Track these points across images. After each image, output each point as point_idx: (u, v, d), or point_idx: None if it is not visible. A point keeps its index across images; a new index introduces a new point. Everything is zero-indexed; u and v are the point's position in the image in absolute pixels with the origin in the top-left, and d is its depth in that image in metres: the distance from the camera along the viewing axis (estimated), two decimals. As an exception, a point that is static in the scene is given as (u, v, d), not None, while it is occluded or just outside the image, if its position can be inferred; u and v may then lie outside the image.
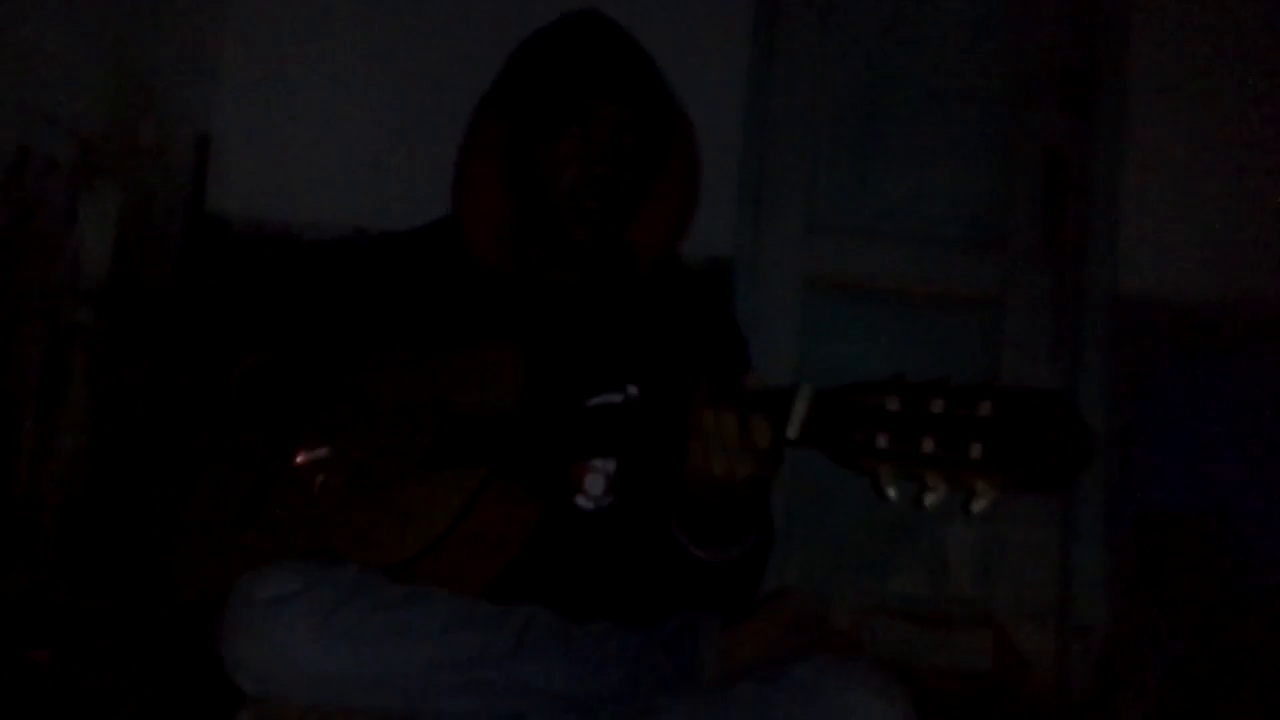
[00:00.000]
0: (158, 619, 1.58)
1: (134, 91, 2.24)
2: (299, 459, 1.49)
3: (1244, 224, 2.59)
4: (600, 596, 1.46)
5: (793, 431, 1.18)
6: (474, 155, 1.63)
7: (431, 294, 1.62)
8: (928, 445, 1.08)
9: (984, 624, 2.57)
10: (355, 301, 1.65)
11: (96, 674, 1.80)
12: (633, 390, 1.53)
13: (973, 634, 2.57)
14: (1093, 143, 2.67)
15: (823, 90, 2.74)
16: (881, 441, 1.11)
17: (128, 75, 2.21)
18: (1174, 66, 2.67)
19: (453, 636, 1.30)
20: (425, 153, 2.49)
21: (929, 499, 1.09)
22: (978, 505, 1.06)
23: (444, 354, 1.52)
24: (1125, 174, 2.64)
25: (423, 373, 1.50)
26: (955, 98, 2.74)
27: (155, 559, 1.54)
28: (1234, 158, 2.64)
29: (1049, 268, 2.67)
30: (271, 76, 2.63)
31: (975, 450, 1.05)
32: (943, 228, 2.71)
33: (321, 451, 1.48)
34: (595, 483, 1.52)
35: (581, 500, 1.52)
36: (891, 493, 1.11)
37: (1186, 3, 2.68)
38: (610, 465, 1.52)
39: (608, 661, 1.31)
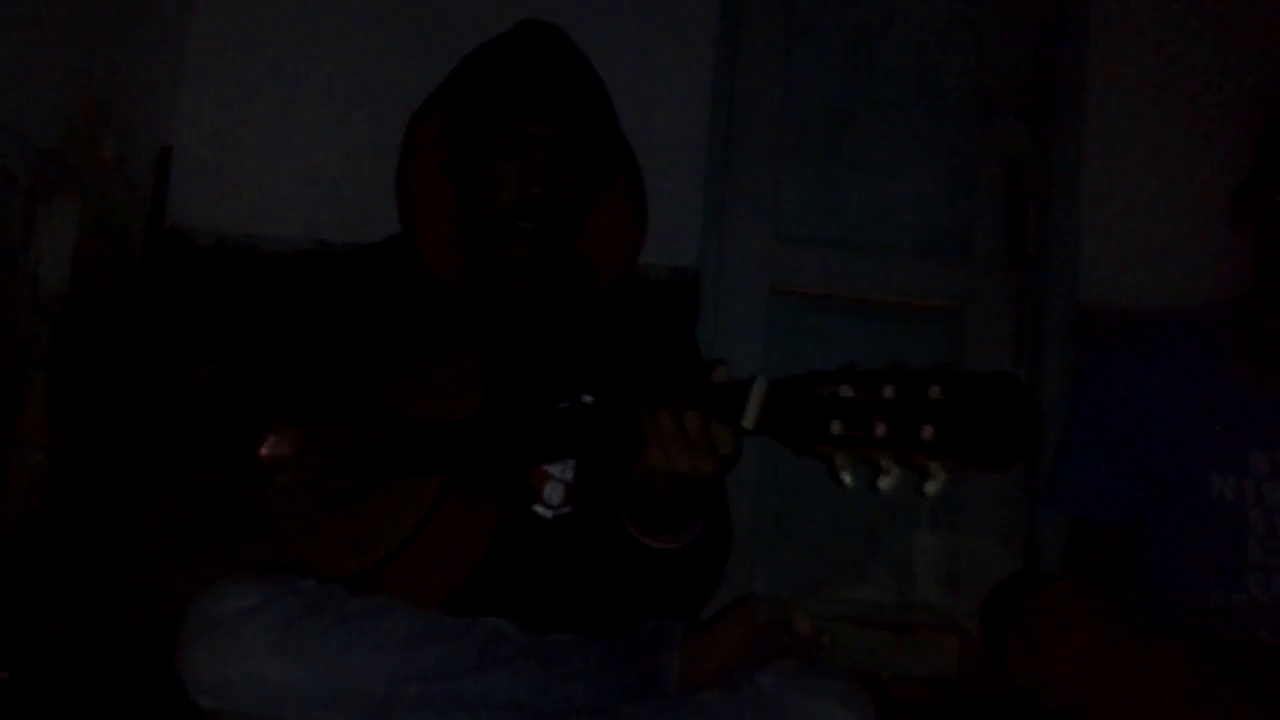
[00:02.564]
0: (116, 638, 1.56)
1: (94, 104, 2.22)
2: (263, 451, 1.47)
3: (1202, 234, 2.62)
4: (563, 606, 1.46)
5: (749, 421, 1.20)
6: (416, 169, 1.63)
7: (389, 307, 1.62)
8: (880, 430, 1.10)
9: (949, 630, 2.59)
10: (314, 315, 1.64)
11: (56, 694, 1.78)
12: (588, 399, 1.54)
13: (938, 641, 2.59)
14: (1053, 153, 2.70)
15: (787, 101, 2.75)
16: (835, 428, 1.13)
17: (88, 88, 2.19)
18: (1132, 78, 2.70)
19: (414, 650, 1.29)
20: (387, 166, 2.47)
21: (884, 482, 1.11)
22: (931, 486, 1.09)
23: (403, 365, 1.51)
24: (1085, 184, 2.67)
25: (381, 383, 1.50)
26: (918, 108, 2.77)
27: (113, 577, 1.53)
28: (1192, 168, 2.67)
29: (1011, 277, 2.69)
30: (233, 89, 2.62)
31: (926, 432, 1.07)
32: (906, 237, 2.73)
33: (286, 446, 1.47)
34: (554, 492, 1.52)
35: (540, 510, 1.52)
36: (847, 478, 1.14)
37: (1144, 15, 2.72)
38: (569, 474, 1.52)
39: (571, 673, 1.31)
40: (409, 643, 1.30)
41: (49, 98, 2.08)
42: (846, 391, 1.13)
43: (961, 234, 2.73)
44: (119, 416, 2.28)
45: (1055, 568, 2.54)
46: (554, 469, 1.52)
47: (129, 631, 1.51)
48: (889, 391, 1.10)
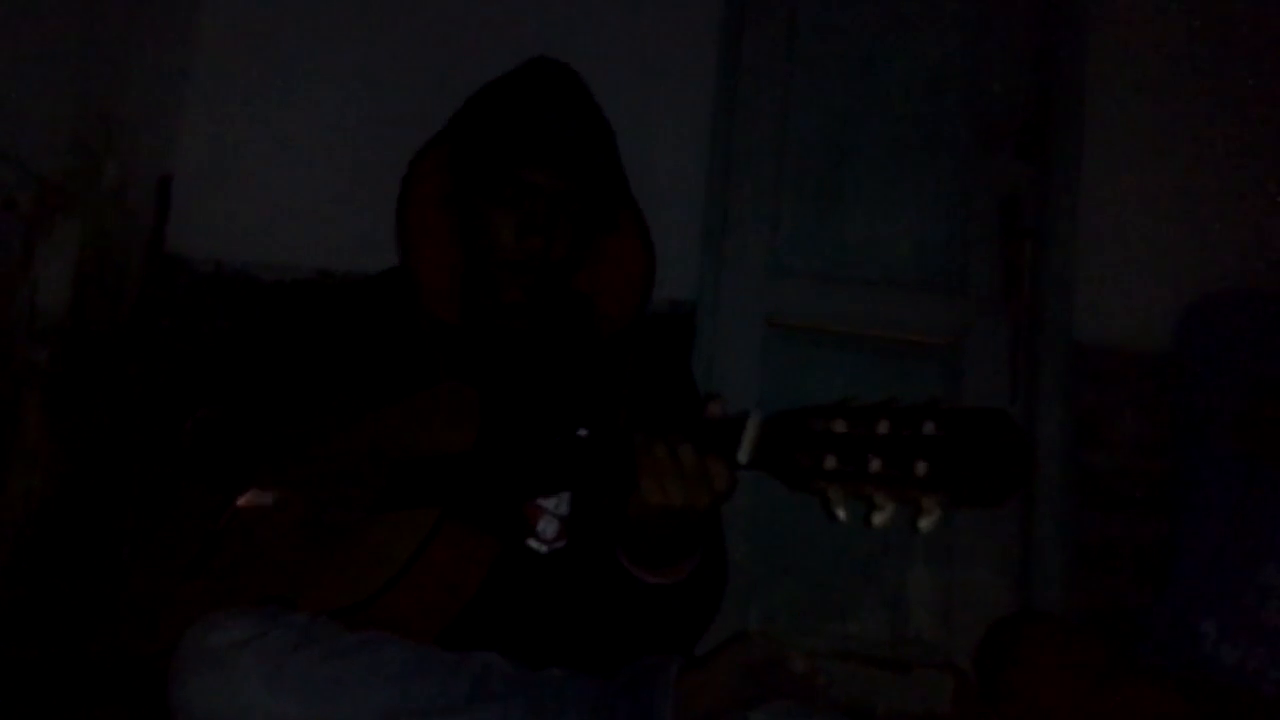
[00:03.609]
0: (109, 668, 1.56)
1: (96, 131, 2.23)
2: (240, 502, 1.48)
3: (1197, 273, 2.63)
4: (556, 640, 1.46)
5: (744, 456, 1.21)
6: (417, 206, 1.64)
7: (386, 340, 1.62)
8: (875, 465, 1.11)
9: (944, 668, 2.58)
10: (312, 347, 1.65)
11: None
12: (583, 433, 1.54)
13: (933, 678, 2.58)
14: (1049, 191, 2.71)
15: (785, 136, 2.76)
16: (830, 463, 1.13)
17: (90, 115, 2.20)
18: (1129, 116, 2.72)
19: (407, 684, 1.29)
20: (386, 195, 2.48)
21: (878, 517, 1.12)
22: (925, 522, 1.09)
23: (399, 397, 1.52)
24: (1081, 223, 2.68)
25: (377, 416, 1.50)
26: (915, 144, 2.78)
27: (107, 605, 1.52)
28: (1188, 207, 2.68)
29: (1006, 313, 2.70)
30: (234, 118, 2.63)
31: (920, 468, 1.08)
32: (902, 273, 2.74)
33: (266, 498, 1.48)
34: (548, 526, 1.52)
35: (534, 544, 1.52)
36: (841, 513, 1.14)
37: (1141, 53, 2.74)
38: (563, 508, 1.52)
39: (564, 709, 1.31)
40: (402, 677, 1.29)
41: (51, 125, 2.09)
42: (841, 427, 1.14)
43: (958, 270, 2.74)
44: (115, 441, 2.28)
45: (1052, 602, 2.55)
46: (548, 503, 1.52)
47: (122, 661, 1.50)
48: (883, 427, 1.11)
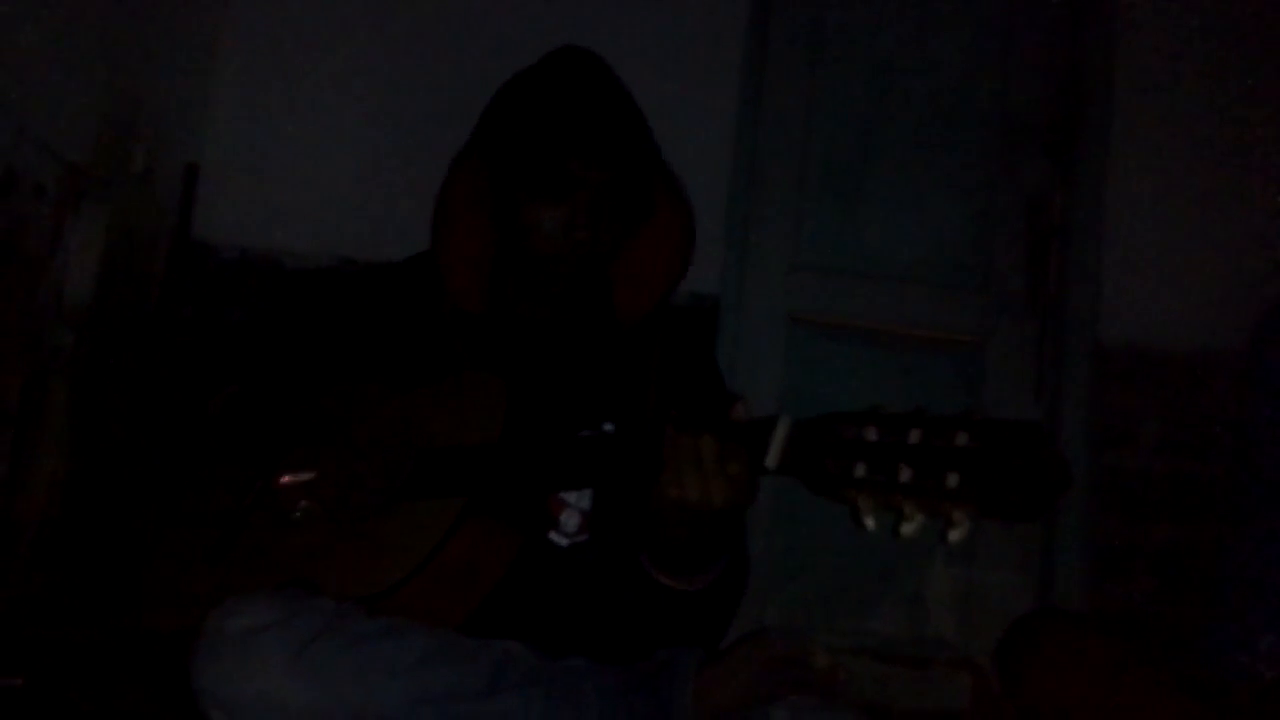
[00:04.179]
0: (132, 649, 1.56)
1: (124, 119, 2.24)
2: (284, 480, 1.47)
3: (1223, 274, 2.61)
4: (578, 632, 1.46)
5: (772, 461, 1.19)
6: (455, 195, 1.62)
7: (411, 327, 1.61)
8: (905, 475, 1.09)
9: (962, 665, 2.57)
10: (336, 333, 1.64)
11: (69, 703, 1.78)
12: (609, 427, 1.53)
13: (951, 676, 2.57)
14: (1075, 191, 2.70)
15: (810, 132, 2.76)
16: (859, 471, 1.12)
17: (118, 103, 2.21)
18: (1156, 116, 2.70)
19: (429, 672, 1.29)
20: (411, 183, 2.50)
21: (906, 528, 1.10)
22: (955, 534, 1.08)
23: (424, 386, 1.51)
24: (1107, 222, 2.67)
25: (403, 404, 1.50)
26: (941, 143, 2.77)
27: (131, 589, 1.53)
28: (1214, 208, 2.67)
29: (1031, 312, 2.69)
30: (261, 106, 2.64)
31: (952, 480, 1.06)
32: (927, 270, 2.73)
33: (307, 475, 1.47)
34: (570, 520, 1.52)
35: (556, 536, 1.51)
36: (870, 522, 1.12)
37: (1168, 54, 2.72)
38: (585, 502, 1.52)
39: (584, 700, 1.31)
40: (423, 664, 1.29)
41: (80, 112, 2.10)
42: (872, 434, 1.12)
43: (983, 269, 2.73)
44: (139, 426, 2.29)
45: (1073, 603, 2.54)
46: (570, 497, 1.51)
47: (146, 642, 1.51)
48: (915, 436, 1.09)
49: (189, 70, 2.54)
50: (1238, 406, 2.10)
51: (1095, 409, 2.61)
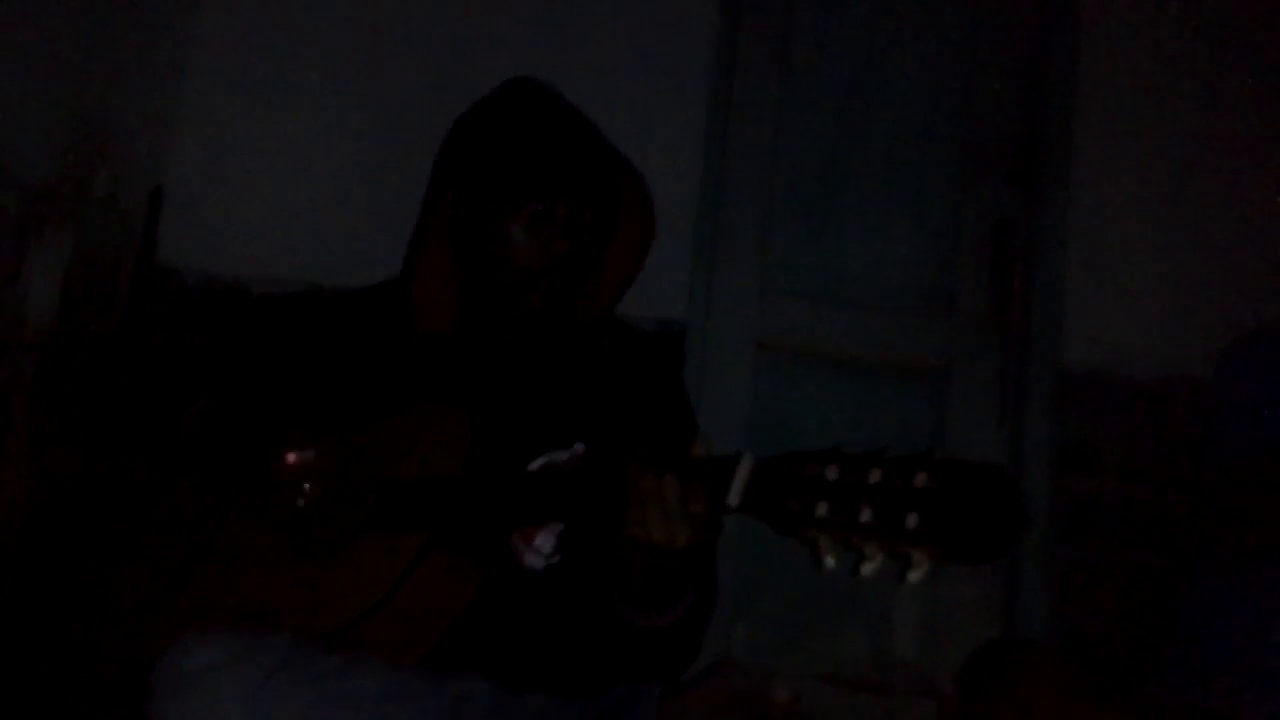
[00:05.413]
0: (89, 685, 1.54)
1: (88, 141, 2.23)
2: (290, 459, 1.43)
3: (1187, 301, 2.64)
4: (540, 666, 1.45)
5: (734, 499, 1.19)
6: (428, 222, 1.63)
7: (378, 353, 1.61)
8: (865, 515, 1.09)
9: (926, 692, 2.57)
10: (302, 361, 1.64)
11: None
12: (579, 447, 1.53)
13: (916, 704, 2.57)
14: (1039, 216, 2.72)
15: (777, 156, 2.77)
16: (820, 510, 1.12)
17: (82, 125, 2.20)
18: (1118, 142, 2.73)
19: (387, 709, 1.28)
20: (378, 209, 2.50)
21: (867, 568, 1.10)
22: (914, 575, 1.07)
23: (388, 416, 1.51)
24: (1071, 248, 2.69)
25: (366, 435, 1.49)
26: (907, 168, 2.79)
27: (87, 620, 1.51)
28: (1178, 234, 2.69)
29: (996, 338, 2.70)
30: (227, 130, 2.63)
31: (912, 521, 1.06)
32: (892, 295, 2.74)
33: (310, 453, 1.44)
34: (546, 540, 1.51)
35: (531, 558, 1.50)
36: (830, 561, 1.12)
37: (1131, 80, 2.75)
38: (558, 525, 1.51)
39: (543, 737, 1.31)
40: (382, 701, 1.28)
41: (43, 134, 2.08)
42: (832, 474, 1.12)
43: (948, 293, 2.75)
44: (100, 452, 2.27)
45: (1036, 628, 2.55)
46: None
47: (103, 679, 1.49)
48: (875, 476, 1.09)
49: (154, 93, 2.53)
50: (1201, 433, 2.11)
51: (1058, 433, 2.62)
